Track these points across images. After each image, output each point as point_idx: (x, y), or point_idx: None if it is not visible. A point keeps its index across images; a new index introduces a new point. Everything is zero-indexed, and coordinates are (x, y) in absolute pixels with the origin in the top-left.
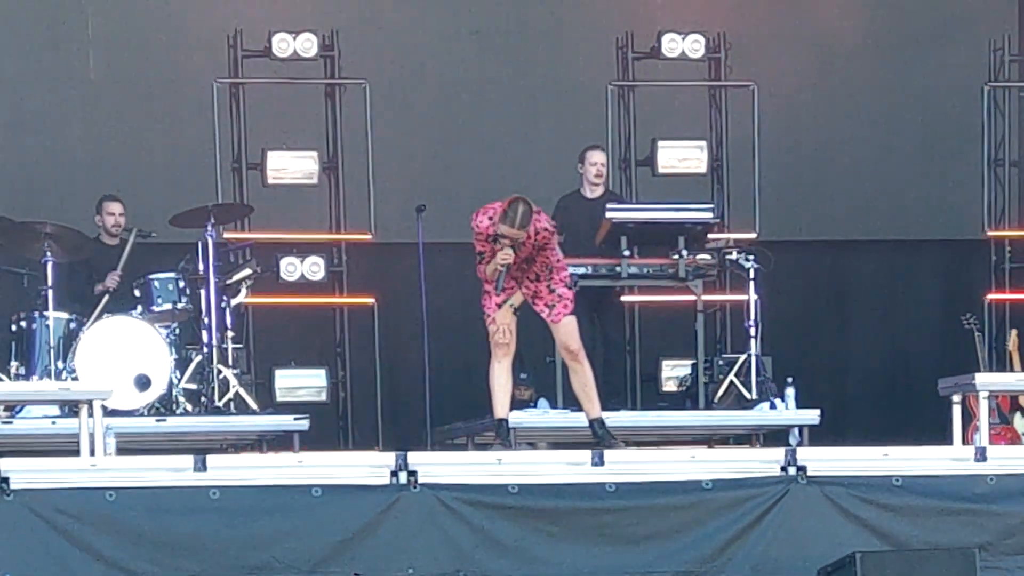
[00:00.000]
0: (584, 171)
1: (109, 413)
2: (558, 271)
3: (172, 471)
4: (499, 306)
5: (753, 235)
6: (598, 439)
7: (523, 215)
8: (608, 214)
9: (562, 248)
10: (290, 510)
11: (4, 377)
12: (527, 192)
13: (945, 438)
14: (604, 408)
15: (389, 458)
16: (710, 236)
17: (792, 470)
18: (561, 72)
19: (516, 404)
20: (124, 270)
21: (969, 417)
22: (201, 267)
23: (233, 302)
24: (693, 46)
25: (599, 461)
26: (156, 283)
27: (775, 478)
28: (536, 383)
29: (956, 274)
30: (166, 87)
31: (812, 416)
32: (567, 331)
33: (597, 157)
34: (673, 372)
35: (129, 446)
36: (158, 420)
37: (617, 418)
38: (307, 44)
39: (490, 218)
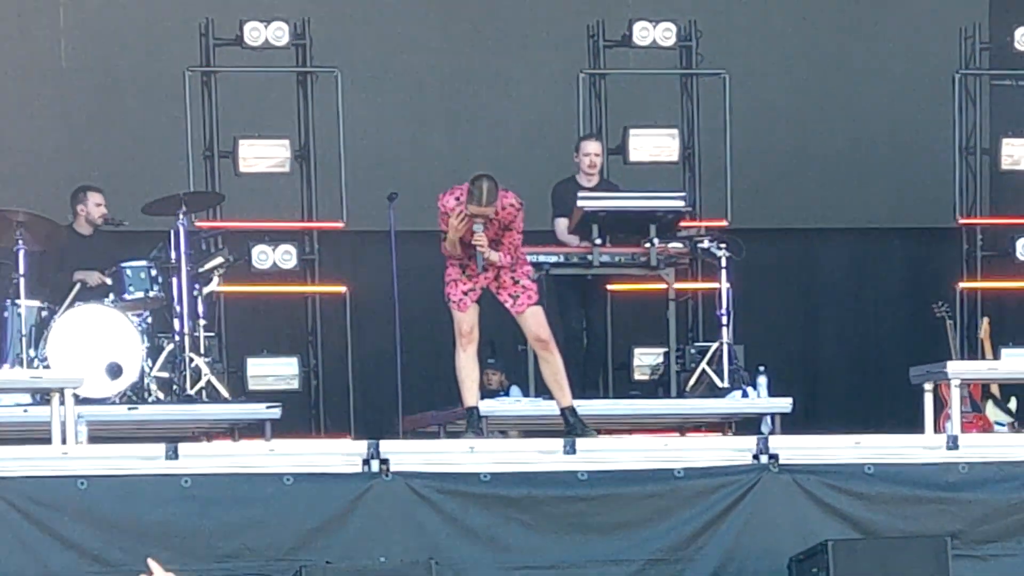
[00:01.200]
0: (579, 160)
1: (81, 401)
2: (522, 264)
3: (144, 459)
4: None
5: (724, 223)
6: (570, 428)
7: (488, 191)
8: (579, 202)
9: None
10: (262, 498)
11: None
12: (499, 180)
13: (917, 426)
14: (580, 398)
15: (361, 446)
16: (681, 224)
17: (764, 458)
18: (532, 60)
19: (486, 391)
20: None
21: (941, 405)
22: (173, 255)
23: (205, 290)
24: (664, 34)
25: (571, 449)
26: (128, 271)
27: (747, 466)
28: (508, 371)
29: (927, 262)
30: (137, 76)
31: (784, 404)
32: (536, 321)
33: (591, 148)
34: (645, 360)
35: (101, 434)
36: (130, 408)
37: (589, 406)
38: (279, 33)
39: (457, 198)
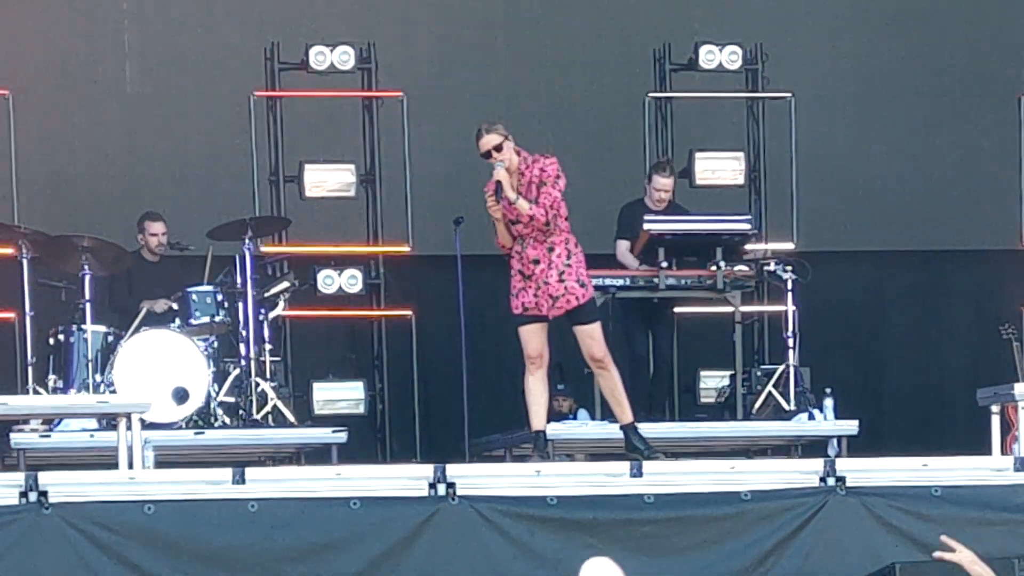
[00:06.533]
0: (649, 188)
1: (147, 426)
2: (576, 267)
3: (210, 484)
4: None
5: (791, 246)
6: (632, 447)
7: (486, 125)
8: (645, 225)
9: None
10: (328, 523)
11: (42, 390)
12: (565, 201)
13: (983, 448)
14: (646, 421)
15: (427, 470)
16: (748, 247)
17: (831, 481)
18: (598, 83)
19: (555, 416)
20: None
21: (1008, 427)
22: (239, 280)
23: (271, 315)
24: (730, 57)
25: (638, 472)
26: (194, 296)
27: (814, 489)
28: (575, 394)
29: (994, 284)
30: (203, 100)
31: (851, 427)
32: (593, 339)
33: (662, 183)
34: (711, 383)
35: (167, 459)
36: (196, 433)
37: (655, 429)
38: (344, 57)
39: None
